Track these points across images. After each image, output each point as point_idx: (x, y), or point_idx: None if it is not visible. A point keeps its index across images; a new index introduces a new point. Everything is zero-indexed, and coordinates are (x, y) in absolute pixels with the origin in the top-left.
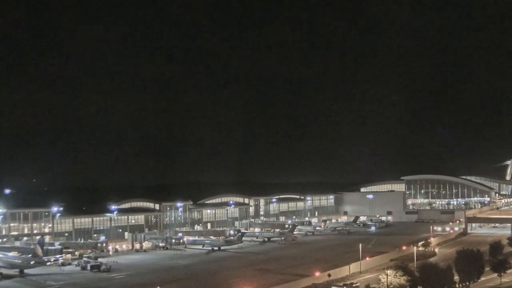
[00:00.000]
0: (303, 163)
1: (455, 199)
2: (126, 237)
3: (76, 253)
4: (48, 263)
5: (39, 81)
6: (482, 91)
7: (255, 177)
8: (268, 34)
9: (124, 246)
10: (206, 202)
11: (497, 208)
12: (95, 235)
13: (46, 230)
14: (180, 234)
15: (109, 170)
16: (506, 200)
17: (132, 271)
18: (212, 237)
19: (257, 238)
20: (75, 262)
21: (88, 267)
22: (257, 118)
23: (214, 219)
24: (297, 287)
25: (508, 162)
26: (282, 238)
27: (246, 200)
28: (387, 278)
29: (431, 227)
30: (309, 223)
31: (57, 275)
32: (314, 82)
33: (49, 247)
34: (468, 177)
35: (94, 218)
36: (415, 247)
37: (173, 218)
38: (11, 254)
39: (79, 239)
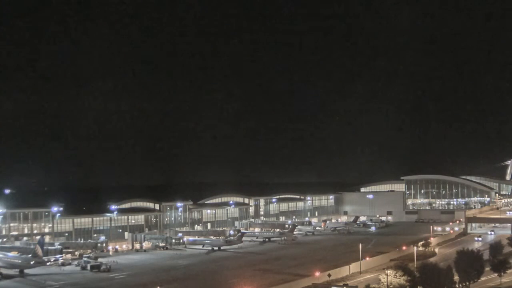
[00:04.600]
0: (303, 163)
1: (455, 199)
2: (126, 237)
3: (76, 253)
4: (48, 263)
5: (39, 81)
6: (482, 91)
7: (255, 177)
8: (269, 33)
9: (124, 246)
10: (206, 202)
11: (497, 208)
12: (95, 235)
13: (46, 230)
14: (180, 234)
15: (109, 170)
16: (506, 200)
17: (132, 271)
18: (212, 237)
19: (257, 238)
20: (75, 262)
21: (88, 267)
22: (257, 118)
23: (214, 219)
24: (297, 287)
25: (508, 162)
26: (282, 238)
27: (246, 200)
28: (387, 278)
29: (431, 227)
30: (309, 223)
31: (57, 275)
32: (314, 82)
33: (49, 247)
34: (468, 177)
35: (94, 218)
36: (415, 247)
37: (173, 218)
38: (11, 254)
39: (79, 239)
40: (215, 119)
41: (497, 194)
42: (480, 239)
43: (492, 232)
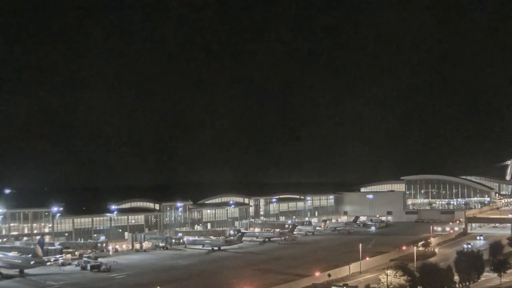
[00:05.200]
0: (303, 163)
1: (455, 199)
2: (126, 237)
3: (76, 253)
4: (48, 263)
5: (39, 81)
6: (482, 91)
7: (255, 177)
8: (269, 34)
9: (124, 246)
10: (206, 202)
11: (497, 208)
12: (95, 235)
13: (46, 230)
14: (180, 234)
15: (109, 170)
16: (506, 200)
17: (132, 271)
18: (212, 237)
19: (257, 238)
20: (75, 262)
21: (88, 267)
22: (257, 118)
23: (214, 219)
24: (297, 287)
25: (508, 162)
26: (282, 238)
27: (246, 200)
28: (387, 278)
29: (431, 227)
30: (309, 223)
31: (57, 275)
32: (314, 82)
33: (49, 247)
34: (468, 177)
35: (94, 218)
36: (415, 247)
37: (173, 218)
38: (11, 254)
39: (79, 239)
40: (215, 119)
41: (497, 194)
42: (469, 246)
43: (482, 237)
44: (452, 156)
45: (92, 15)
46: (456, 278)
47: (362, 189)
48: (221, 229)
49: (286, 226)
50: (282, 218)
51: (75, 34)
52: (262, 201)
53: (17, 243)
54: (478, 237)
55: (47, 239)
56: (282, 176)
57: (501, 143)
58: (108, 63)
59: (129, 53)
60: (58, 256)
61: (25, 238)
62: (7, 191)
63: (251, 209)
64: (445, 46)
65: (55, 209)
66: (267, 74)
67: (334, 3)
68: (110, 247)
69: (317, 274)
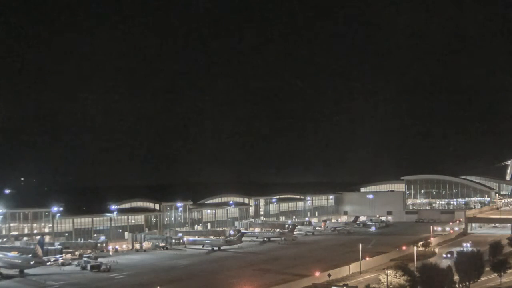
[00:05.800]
0: (303, 163)
1: (455, 199)
2: (126, 237)
3: (76, 253)
4: (48, 263)
5: (39, 81)
6: (482, 91)
7: (255, 177)
8: (268, 33)
9: (124, 246)
10: (206, 202)
11: (497, 208)
12: (95, 235)
13: (46, 230)
14: (180, 234)
15: (109, 170)
16: (506, 200)
17: (132, 271)
18: (212, 237)
19: (257, 238)
20: (75, 262)
21: (88, 267)
22: (257, 118)
23: (214, 219)
24: (297, 287)
25: (508, 162)
26: (282, 238)
27: (246, 200)
28: (387, 278)
29: (431, 227)
30: (309, 223)
31: (57, 275)
32: (314, 82)
33: (49, 247)
34: (468, 177)
35: (94, 218)
36: (415, 247)
37: (173, 218)
38: (11, 254)
39: (79, 239)
40: (215, 119)
41: (497, 194)
42: (449, 255)
43: (468, 244)
44: (452, 156)
45: (93, 13)
46: (456, 278)
47: (362, 189)
48: (221, 229)
49: (286, 226)
50: (282, 218)
51: (74, 33)
52: (262, 201)
53: (17, 243)
54: (464, 244)
55: (47, 239)
56: (282, 176)
57: (501, 143)
58: (108, 63)
59: (129, 53)
60: (58, 256)
61: (25, 238)
62: (7, 191)
63: (251, 209)
64: (445, 45)
65: (55, 209)
66: (267, 74)
67: (335, 3)
68: (110, 247)
69: (317, 274)
